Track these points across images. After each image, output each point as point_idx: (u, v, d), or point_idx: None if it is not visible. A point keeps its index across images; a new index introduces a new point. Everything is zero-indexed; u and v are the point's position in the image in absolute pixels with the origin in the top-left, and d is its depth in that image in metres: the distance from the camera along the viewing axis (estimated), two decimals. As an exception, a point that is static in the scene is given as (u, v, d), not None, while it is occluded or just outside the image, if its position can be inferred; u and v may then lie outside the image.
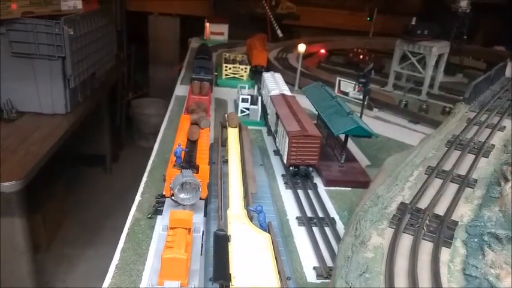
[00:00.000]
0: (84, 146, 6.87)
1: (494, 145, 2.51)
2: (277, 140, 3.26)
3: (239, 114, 3.96)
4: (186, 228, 1.71)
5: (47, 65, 4.02)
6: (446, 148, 2.47)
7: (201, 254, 1.82)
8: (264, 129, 3.85)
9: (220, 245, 1.70)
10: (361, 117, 3.69)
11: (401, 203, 1.89)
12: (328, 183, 2.90)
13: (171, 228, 1.69)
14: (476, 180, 2.11)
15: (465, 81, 6.26)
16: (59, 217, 5.74)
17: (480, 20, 7.76)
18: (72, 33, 4.02)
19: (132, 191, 2.73)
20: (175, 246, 1.56)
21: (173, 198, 1.94)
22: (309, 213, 2.51)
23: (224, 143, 2.95)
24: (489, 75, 3.75)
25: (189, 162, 2.32)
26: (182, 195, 1.93)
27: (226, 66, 5.21)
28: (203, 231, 1.90)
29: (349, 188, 2.89)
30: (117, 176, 7.50)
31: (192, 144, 2.59)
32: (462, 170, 2.22)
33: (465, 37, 6.02)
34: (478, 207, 1.86)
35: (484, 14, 7.65)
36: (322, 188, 2.86)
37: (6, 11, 3.69)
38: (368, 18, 9.22)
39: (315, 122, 3.55)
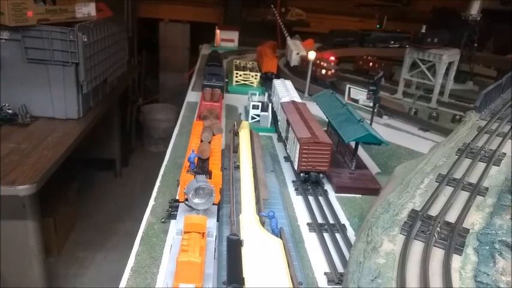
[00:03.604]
0: (95, 150, 6.94)
1: (505, 153, 2.52)
2: (287, 146, 3.29)
3: (250, 121, 4.00)
4: (200, 233, 1.74)
5: (60, 71, 4.09)
6: (457, 156, 2.49)
7: (215, 258, 1.85)
8: (274, 136, 3.88)
9: (233, 249, 1.73)
10: (371, 124, 3.71)
11: (413, 210, 1.91)
12: (338, 189, 2.92)
13: (185, 232, 1.72)
14: (488, 188, 2.12)
15: (475, 88, 6.25)
16: (70, 220, 5.81)
17: (491, 27, 7.75)
18: (85, 40, 4.08)
19: (142, 195, 2.76)
20: (190, 250, 1.59)
21: (187, 203, 1.97)
22: (319, 220, 2.53)
23: (235, 149, 2.99)
24: (500, 83, 3.76)
25: (202, 167, 2.35)
26: (196, 200, 1.96)
27: (237, 73, 5.26)
28: (216, 236, 1.93)
29: (360, 195, 2.91)
30: (127, 180, 7.58)
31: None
32: (473, 178, 2.23)
33: (476, 45, 6.01)
34: (489, 215, 1.88)
35: (496, 21, 7.65)
36: (332, 195, 2.88)
37: (22, 18, 3.76)
38: (378, 26, 9.24)
39: (325, 129, 3.57)
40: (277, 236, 1.89)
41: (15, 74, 4.02)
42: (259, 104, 4.10)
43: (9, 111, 4.05)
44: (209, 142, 2.63)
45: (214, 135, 2.79)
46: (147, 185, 2.89)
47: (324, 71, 5.24)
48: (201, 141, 2.61)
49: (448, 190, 2.11)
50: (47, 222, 4.89)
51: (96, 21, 4.46)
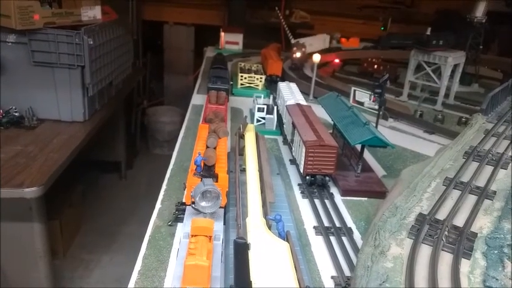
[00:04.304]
0: (100, 152, 6.98)
1: (512, 156, 2.51)
2: (293, 149, 3.29)
3: (255, 124, 4.01)
4: (207, 236, 1.74)
5: (66, 73, 4.11)
6: (464, 159, 2.48)
7: (221, 261, 1.85)
8: (280, 138, 3.88)
9: (240, 252, 1.73)
10: (376, 127, 3.70)
11: (420, 214, 1.90)
12: (344, 193, 2.92)
13: (192, 235, 1.73)
14: (495, 192, 2.11)
15: (481, 91, 6.23)
16: (76, 223, 5.83)
17: (496, 29, 7.72)
18: (91, 42, 4.10)
19: (147, 197, 2.77)
20: (197, 254, 1.59)
21: (194, 206, 1.97)
22: (326, 223, 2.53)
23: (241, 152, 2.99)
24: (506, 85, 3.74)
25: (208, 171, 2.36)
26: (203, 204, 1.96)
27: (241, 76, 5.27)
28: (223, 239, 1.93)
29: (366, 198, 2.90)
30: (132, 183, 7.61)
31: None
32: (480, 182, 2.22)
33: (481, 47, 6.00)
34: (497, 219, 1.87)
35: (501, 23, 7.62)
36: (338, 198, 2.87)
37: (29, 22, 3.79)
38: (382, 28, 9.23)
39: (331, 131, 3.57)
40: (284, 240, 1.89)
41: (22, 77, 4.04)
42: (265, 106, 4.10)
43: (16, 114, 4.07)
44: (215, 148, 2.63)
45: (220, 138, 2.80)
46: (151, 188, 2.91)
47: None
48: (207, 147, 2.61)
49: (456, 194, 2.10)
50: (53, 224, 4.91)
51: (101, 24, 4.47)
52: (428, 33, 5.16)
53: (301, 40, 6.92)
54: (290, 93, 3.94)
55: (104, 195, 6.95)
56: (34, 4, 3.78)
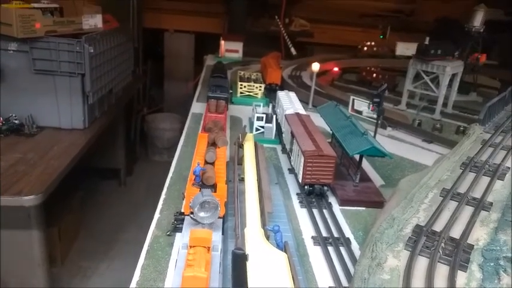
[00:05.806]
0: (100, 159, 6.98)
1: (509, 167, 2.52)
2: (292, 158, 3.31)
3: (254, 132, 4.02)
4: (205, 247, 1.75)
5: (67, 81, 4.13)
6: (461, 170, 2.49)
7: (220, 272, 1.85)
8: (279, 147, 3.89)
9: (238, 263, 1.74)
10: (375, 136, 3.73)
11: (417, 226, 1.91)
12: (343, 202, 2.93)
13: (191, 246, 1.74)
14: (492, 203, 2.12)
15: (479, 100, 6.26)
16: (74, 230, 5.82)
17: (494, 38, 7.75)
18: (92, 51, 4.13)
19: (146, 204, 2.77)
20: (195, 265, 1.60)
21: (193, 216, 1.98)
22: (324, 233, 2.53)
23: (240, 161, 3.00)
24: (504, 95, 3.77)
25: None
26: (202, 214, 1.97)
27: (241, 85, 5.29)
28: (221, 250, 1.94)
29: (364, 208, 2.91)
30: (131, 190, 7.60)
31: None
32: (477, 193, 2.23)
33: (479, 56, 6.03)
34: (493, 231, 1.88)
35: (500, 33, 7.66)
36: (337, 208, 2.88)
37: (30, 30, 3.82)
38: (381, 36, 9.28)
39: (329, 140, 3.59)
40: (282, 250, 1.90)
41: (23, 85, 4.07)
42: (264, 115, 4.12)
43: (16, 122, 4.09)
44: (213, 163, 2.63)
45: (219, 147, 2.82)
46: (150, 194, 2.91)
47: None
48: (206, 162, 2.61)
49: (453, 205, 2.12)
50: (52, 231, 4.90)
51: (102, 32, 4.51)
52: (426, 42, 5.19)
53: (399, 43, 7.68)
54: (289, 102, 3.96)
55: (103, 202, 6.94)
56: (35, 13, 3.82)
